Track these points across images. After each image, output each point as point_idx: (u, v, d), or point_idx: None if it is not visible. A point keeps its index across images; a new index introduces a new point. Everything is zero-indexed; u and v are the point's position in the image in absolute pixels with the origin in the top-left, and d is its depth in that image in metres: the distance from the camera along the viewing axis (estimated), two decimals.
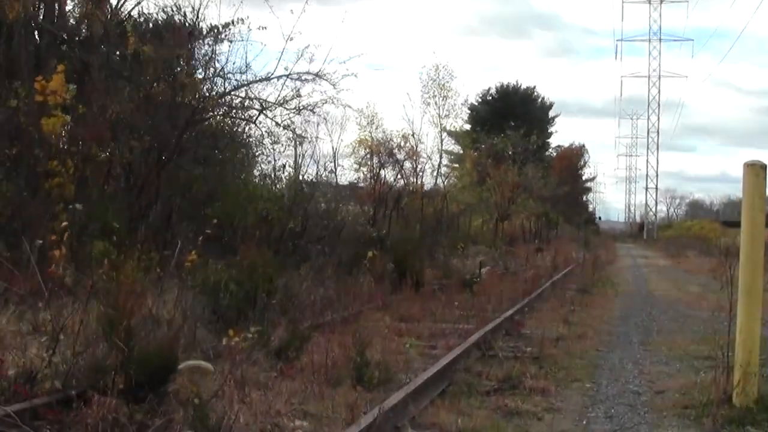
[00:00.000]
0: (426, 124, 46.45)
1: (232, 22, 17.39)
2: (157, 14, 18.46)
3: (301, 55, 17.73)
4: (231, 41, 18.04)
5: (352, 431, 5.72)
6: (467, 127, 57.26)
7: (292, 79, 18.00)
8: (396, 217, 27.26)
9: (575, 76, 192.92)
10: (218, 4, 21.27)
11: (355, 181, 30.48)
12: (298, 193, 21.01)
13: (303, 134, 21.64)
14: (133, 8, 18.10)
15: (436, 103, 38.09)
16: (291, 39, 17.41)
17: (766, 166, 7.54)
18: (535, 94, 79.78)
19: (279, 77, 17.98)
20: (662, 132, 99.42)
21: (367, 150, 30.13)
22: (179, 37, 17.54)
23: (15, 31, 15.72)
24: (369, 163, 29.88)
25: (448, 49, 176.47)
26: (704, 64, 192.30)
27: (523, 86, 79.33)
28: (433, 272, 19.66)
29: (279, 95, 18.19)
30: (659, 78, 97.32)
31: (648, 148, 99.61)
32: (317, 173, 25.67)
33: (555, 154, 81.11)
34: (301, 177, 23.12)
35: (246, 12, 24.68)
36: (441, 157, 38.73)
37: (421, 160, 32.93)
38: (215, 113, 18.66)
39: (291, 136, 20.88)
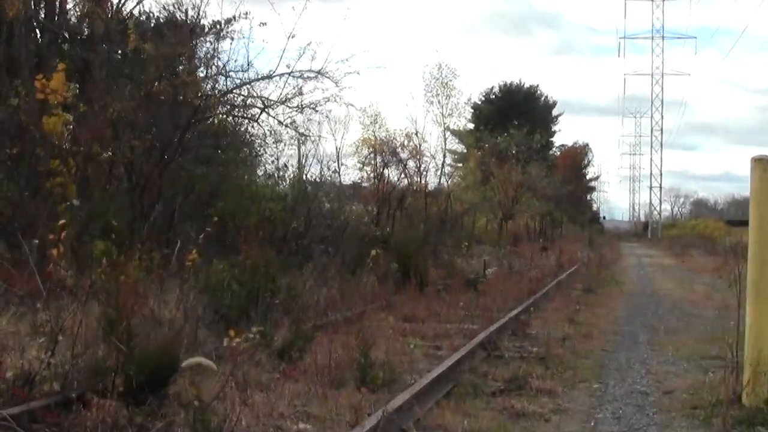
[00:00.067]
0: (429, 123, 46.41)
1: (234, 18, 17.30)
2: (159, 12, 18.40)
3: (303, 53, 17.65)
4: (233, 38, 17.98)
5: None
6: (471, 126, 57.22)
7: (294, 77, 17.92)
8: (400, 217, 27.16)
9: (578, 74, 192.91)
10: (220, 2, 21.28)
11: (359, 181, 30.43)
12: (302, 192, 20.93)
13: (306, 133, 21.58)
14: (135, 6, 18.03)
15: (439, 102, 38.08)
16: (293, 36, 17.34)
17: None
18: (539, 92, 79.80)
19: (281, 75, 17.90)
20: (666, 130, 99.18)
21: (371, 149, 30.06)
22: (181, 34, 17.46)
23: (15, 29, 15.66)
24: (372, 162, 29.81)
25: (450, 48, 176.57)
26: (708, 62, 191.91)
27: (527, 85, 79.34)
28: (438, 272, 19.58)
29: (281, 93, 18.10)
30: (662, 76, 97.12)
31: (652, 146, 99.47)
32: (321, 173, 25.61)
33: (558, 153, 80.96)
34: (304, 176, 23.06)
35: (247, 9, 24.61)
36: (444, 156, 38.73)
37: (425, 159, 32.88)
38: (217, 112, 18.57)
39: (294, 134, 20.82)
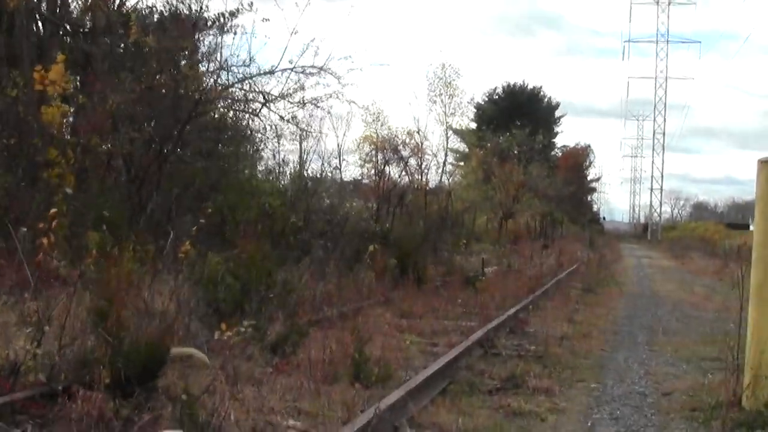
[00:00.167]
0: (432, 121, 46.43)
1: (238, 10, 17.21)
2: (162, 6, 18.30)
3: (306, 49, 17.53)
4: (235, 33, 17.90)
5: (347, 430, 5.49)
6: (473, 125, 57.16)
7: (296, 72, 17.79)
8: (400, 214, 27.08)
9: (582, 76, 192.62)
10: None
11: (360, 177, 30.39)
12: (302, 187, 20.85)
13: (307, 129, 21.50)
14: (138, 0, 17.94)
15: (442, 101, 38.08)
16: (296, 33, 17.20)
17: None
18: (542, 93, 79.62)
19: (283, 70, 17.77)
20: (668, 134, 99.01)
21: (372, 146, 30.00)
22: (183, 28, 17.37)
23: (16, 20, 15.56)
24: (374, 159, 29.76)
25: (454, 48, 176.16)
26: (712, 66, 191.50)
27: (530, 86, 79.18)
28: (436, 269, 19.49)
29: (283, 88, 18.00)
30: (666, 80, 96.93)
31: (653, 149, 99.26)
32: (322, 168, 25.55)
33: (560, 153, 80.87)
34: (305, 172, 23.00)
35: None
36: (446, 154, 38.69)
37: (426, 157, 32.83)
38: (218, 106, 18.48)
39: (295, 130, 20.74)
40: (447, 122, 38.51)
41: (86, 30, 17.47)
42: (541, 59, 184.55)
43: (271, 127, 19.75)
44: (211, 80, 18.14)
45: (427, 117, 44.02)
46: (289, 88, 17.98)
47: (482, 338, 10.28)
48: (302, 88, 18.10)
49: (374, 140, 30.19)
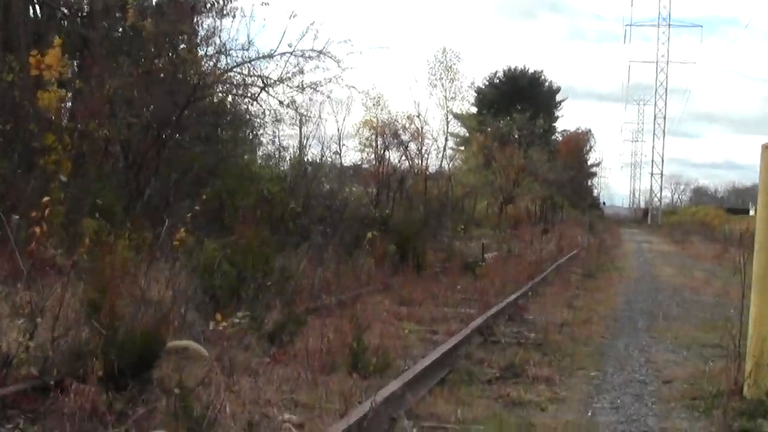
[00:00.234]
0: (432, 106, 46.34)
1: None
2: None
3: (306, 32, 17.42)
4: (234, 16, 17.78)
5: (343, 423, 5.41)
6: (474, 110, 57.02)
7: (295, 56, 17.71)
8: (399, 199, 26.99)
9: (583, 60, 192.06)
10: None
11: (359, 162, 30.29)
12: (301, 173, 20.76)
13: (306, 113, 21.40)
14: None
15: (442, 86, 37.97)
16: (294, 16, 17.10)
17: None
18: (543, 77, 79.26)
19: (282, 54, 17.68)
20: (669, 118, 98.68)
21: (372, 131, 29.90)
22: (181, 11, 17.25)
23: (13, 4, 15.44)
24: (374, 144, 29.66)
25: (456, 32, 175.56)
26: (713, 51, 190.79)
27: (531, 70, 78.82)
28: (436, 255, 19.39)
29: (282, 72, 17.89)
30: (667, 64, 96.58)
31: (654, 133, 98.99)
32: (321, 154, 25.45)
33: (561, 138, 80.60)
34: (304, 157, 22.91)
35: None
36: (447, 139, 38.62)
37: (427, 141, 32.74)
38: (217, 90, 18.38)
39: (294, 115, 20.64)
40: (447, 106, 38.44)
41: (83, 14, 17.37)
42: (543, 43, 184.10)
43: (270, 111, 19.65)
44: (210, 64, 18.07)
45: (428, 101, 43.96)
46: (288, 72, 17.93)
47: (482, 326, 10.21)
48: (301, 72, 18.05)
49: (374, 125, 30.11)
